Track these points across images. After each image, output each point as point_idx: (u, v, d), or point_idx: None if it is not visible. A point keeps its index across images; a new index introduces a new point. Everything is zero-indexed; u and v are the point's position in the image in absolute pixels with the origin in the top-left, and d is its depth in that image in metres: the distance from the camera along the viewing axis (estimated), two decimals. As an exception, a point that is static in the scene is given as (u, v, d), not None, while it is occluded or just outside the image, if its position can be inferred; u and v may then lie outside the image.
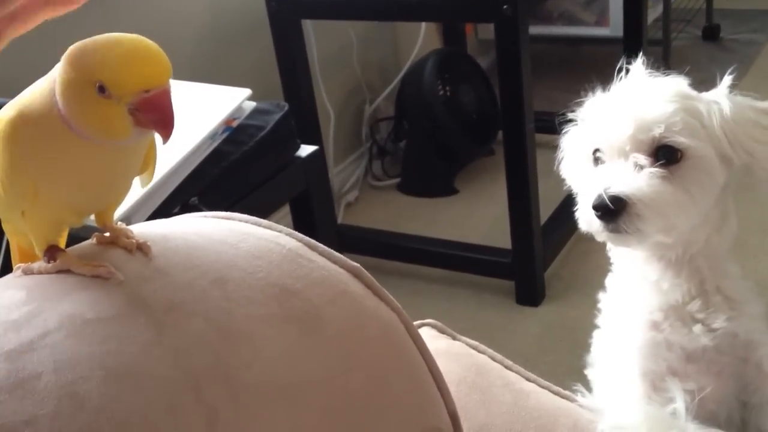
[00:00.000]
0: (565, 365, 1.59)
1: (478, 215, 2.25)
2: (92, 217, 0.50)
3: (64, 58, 0.42)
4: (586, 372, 1.01)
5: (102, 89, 0.41)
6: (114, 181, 0.48)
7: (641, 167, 0.76)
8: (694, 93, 0.79)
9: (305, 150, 1.36)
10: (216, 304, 0.45)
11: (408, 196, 2.41)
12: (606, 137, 0.78)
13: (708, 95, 0.79)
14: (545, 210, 1.86)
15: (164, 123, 0.42)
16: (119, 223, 0.50)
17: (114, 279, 0.44)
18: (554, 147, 0.93)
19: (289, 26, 1.86)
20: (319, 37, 2.16)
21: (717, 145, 0.76)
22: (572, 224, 0.85)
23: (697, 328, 0.80)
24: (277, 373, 0.44)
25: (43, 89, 0.43)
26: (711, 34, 3.12)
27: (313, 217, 1.41)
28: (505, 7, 1.60)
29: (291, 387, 0.44)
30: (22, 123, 0.43)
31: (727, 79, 0.79)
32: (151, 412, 0.39)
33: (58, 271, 0.45)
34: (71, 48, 0.42)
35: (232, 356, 0.43)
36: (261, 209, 1.24)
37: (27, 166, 0.44)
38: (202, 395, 0.41)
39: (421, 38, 2.47)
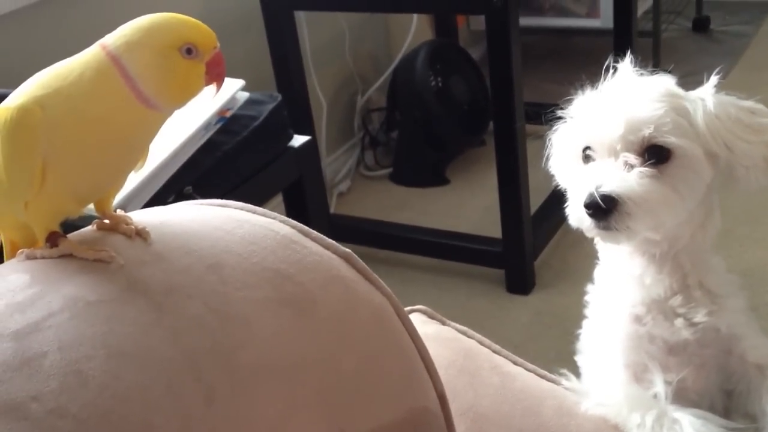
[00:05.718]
0: (554, 352, 1.61)
1: (469, 205, 2.27)
2: (91, 206, 0.52)
3: (140, 31, 0.46)
4: (576, 358, 1.03)
5: (189, 51, 0.46)
6: (130, 159, 0.50)
7: (631, 166, 0.77)
8: (681, 92, 0.80)
9: (298, 140, 1.37)
10: (213, 287, 0.46)
11: (400, 186, 2.43)
12: (596, 136, 0.80)
13: (694, 93, 0.81)
14: (535, 199, 1.87)
15: (222, 75, 0.49)
16: (118, 210, 0.52)
17: (115, 263, 0.46)
18: (544, 137, 0.94)
19: (281, 17, 1.87)
20: (312, 28, 2.17)
21: (704, 143, 0.78)
22: (562, 213, 0.86)
23: (679, 322, 0.82)
24: (272, 354, 0.46)
25: (82, 74, 0.45)
26: (701, 25, 3.13)
27: (306, 207, 1.42)
28: (495, -2, 1.62)
29: (285, 367, 0.46)
30: (53, 105, 0.45)
31: (714, 78, 0.81)
32: (151, 389, 0.41)
33: (60, 256, 0.47)
34: (145, 23, 0.47)
35: (229, 337, 0.45)
36: (254, 199, 1.23)
37: (41, 150, 0.45)
38: (200, 374, 0.43)
39: (413, 29, 2.48)
